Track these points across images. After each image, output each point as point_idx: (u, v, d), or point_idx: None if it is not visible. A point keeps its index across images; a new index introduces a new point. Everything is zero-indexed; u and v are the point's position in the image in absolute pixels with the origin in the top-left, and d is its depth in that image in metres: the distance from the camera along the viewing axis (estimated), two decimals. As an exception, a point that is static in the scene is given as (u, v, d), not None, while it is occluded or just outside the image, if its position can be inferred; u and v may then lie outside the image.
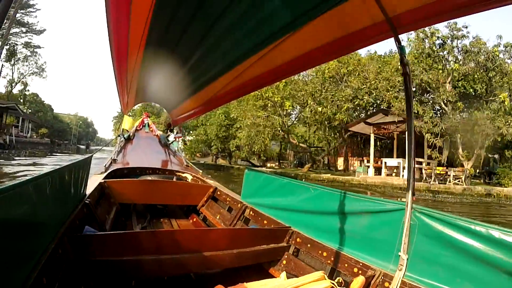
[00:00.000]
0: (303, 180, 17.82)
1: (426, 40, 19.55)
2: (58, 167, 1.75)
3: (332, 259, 2.16)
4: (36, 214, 1.39)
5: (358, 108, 24.23)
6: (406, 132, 18.32)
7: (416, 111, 18.19)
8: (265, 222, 2.89)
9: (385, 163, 20.05)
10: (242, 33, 2.16)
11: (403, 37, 17.21)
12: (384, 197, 11.89)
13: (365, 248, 2.04)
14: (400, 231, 1.77)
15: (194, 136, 36.90)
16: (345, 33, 1.86)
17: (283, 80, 21.13)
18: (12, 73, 52.38)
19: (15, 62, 51.03)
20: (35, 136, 48.21)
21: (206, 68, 2.92)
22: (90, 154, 2.80)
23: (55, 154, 32.13)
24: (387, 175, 19.44)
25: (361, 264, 1.97)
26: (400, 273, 1.64)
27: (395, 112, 18.27)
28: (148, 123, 6.94)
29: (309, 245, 2.37)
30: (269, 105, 24.30)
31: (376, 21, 1.68)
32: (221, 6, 1.91)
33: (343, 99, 22.18)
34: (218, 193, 3.82)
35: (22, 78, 54.04)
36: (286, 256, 2.44)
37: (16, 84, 53.22)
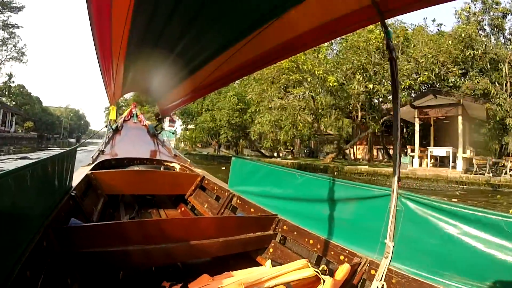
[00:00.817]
0: (335, 174, 17.36)
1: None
2: (40, 158, 1.78)
3: (319, 246, 2.22)
4: (18, 206, 1.43)
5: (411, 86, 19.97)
6: (416, 119, 18.13)
7: (484, 91, 17.23)
8: (252, 210, 2.97)
9: (431, 152, 17.69)
10: (228, 19, 2.15)
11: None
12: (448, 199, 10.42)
13: (352, 236, 2.10)
14: (386, 217, 1.78)
15: (198, 124, 33.37)
16: (332, 17, 1.86)
17: (323, 51, 20.01)
18: None
19: None
20: (20, 131, 47.46)
21: (193, 55, 2.90)
22: (74, 146, 2.84)
23: (42, 149, 30.49)
24: (434, 166, 17.54)
25: (347, 251, 2.03)
26: (386, 261, 1.65)
27: (453, 94, 16.28)
28: (136, 113, 7.11)
29: (295, 233, 2.44)
30: (309, 79, 19.65)
31: (362, 6, 1.67)
32: None
33: (406, 73, 18.47)
34: (206, 182, 3.92)
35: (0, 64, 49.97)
36: (273, 244, 2.50)
37: None
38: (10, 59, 50.22)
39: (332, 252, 2.12)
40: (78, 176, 2.99)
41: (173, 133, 24.67)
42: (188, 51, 2.79)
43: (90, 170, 3.45)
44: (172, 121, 9.04)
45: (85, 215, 2.64)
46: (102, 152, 4.73)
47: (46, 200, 1.94)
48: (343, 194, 2.25)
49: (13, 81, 59.74)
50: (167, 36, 2.52)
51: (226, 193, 3.42)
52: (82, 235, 1.88)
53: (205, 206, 3.59)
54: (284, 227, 2.55)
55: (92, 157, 4.34)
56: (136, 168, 4.26)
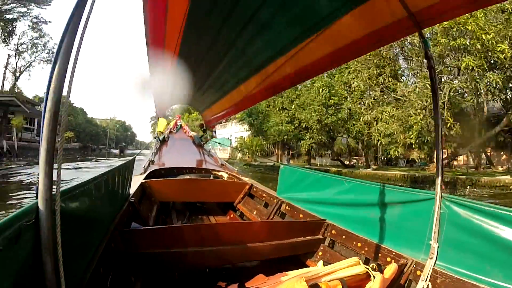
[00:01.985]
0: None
1: None
2: (108, 169, 2.08)
3: (366, 249, 2.40)
4: (95, 210, 1.69)
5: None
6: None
7: None
8: (301, 215, 3.17)
9: None
10: (273, 34, 2.37)
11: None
12: None
13: (398, 238, 2.25)
14: (431, 220, 1.92)
15: (269, 127, 28.18)
16: (371, 30, 2.00)
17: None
18: (16, 61, 47.15)
19: (18, 47, 45.54)
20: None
21: (238, 69, 3.19)
22: (132, 158, 3.21)
23: (80, 160, 29.39)
24: None
25: (394, 253, 2.18)
26: (431, 262, 1.80)
27: None
28: (181, 124, 7.69)
29: (343, 237, 2.61)
30: (477, 46, 14.07)
31: (400, 18, 1.81)
32: (252, 8, 2.10)
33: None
34: (254, 189, 4.17)
35: (28, 66, 48.48)
36: (322, 248, 2.69)
37: (21, 73, 48.09)
38: (41, 61, 49.53)
39: (380, 254, 2.27)
40: (134, 184, 3.36)
41: (219, 143, 22.56)
42: (236, 62, 3.04)
43: (144, 179, 3.85)
44: (214, 132, 9.36)
45: (142, 220, 2.99)
46: (152, 162, 5.27)
47: (113, 205, 2.26)
48: (388, 198, 2.40)
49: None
50: (217, 46, 2.76)
51: (275, 200, 3.63)
52: (143, 237, 2.14)
53: (254, 213, 3.81)
54: (333, 231, 2.73)
55: (144, 166, 4.84)
56: (187, 177, 4.61)
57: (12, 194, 9.92)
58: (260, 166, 27.65)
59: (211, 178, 4.90)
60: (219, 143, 24.42)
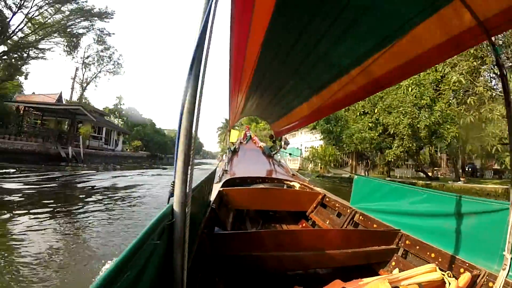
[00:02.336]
0: None
1: None
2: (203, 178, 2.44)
3: (440, 259, 2.42)
4: (195, 214, 1.92)
5: None
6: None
7: None
8: (374, 226, 3.21)
9: None
10: (346, 46, 2.48)
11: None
12: None
13: (471, 248, 2.27)
14: (505, 230, 1.89)
15: (349, 135, 24.58)
16: (442, 40, 2.05)
17: None
18: (83, 73, 49.96)
19: (84, 60, 48.18)
20: (127, 150, 51.22)
21: (309, 83, 3.37)
22: (214, 169, 3.86)
23: (147, 168, 31.20)
24: None
25: (467, 264, 2.20)
26: (504, 273, 1.79)
27: None
28: (250, 135, 8.25)
29: (417, 247, 2.64)
30: None
31: (469, 26, 1.86)
32: (326, 24, 2.24)
33: None
34: (327, 199, 4.25)
35: (94, 77, 51.17)
36: (395, 258, 2.71)
37: (87, 84, 50.62)
38: (107, 72, 52.38)
39: (453, 265, 2.29)
40: (213, 192, 3.70)
41: (289, 154, 21.25)
42: (306, 77, 3.26)
43: (221, 187, 4.06)
44: (286, 143, 9.53)
45: (222, 225, 3.30)
46: (225, 171, 5.63)
47: (201, 210, 2.55)
48: (462, 208, 2.42)
49: (123, 104, 67.00)
50: (293, 58, 2.91)
51: (348, 210, 3.68)
52: (229, 241, 2.37)
53: (327, 222, 3.87)
54: (407, 241, 2.75)
55: (218, 175, 5.06)
56: (261, 186, 4.88)
57: (75, 198, 10.67)
58: (334, 177, 26.01)
59: (284, 187, 5.07)
60: (289, 154, 22.02)
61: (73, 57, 42.27)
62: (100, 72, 51.40)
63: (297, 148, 40.60)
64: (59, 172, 18.60)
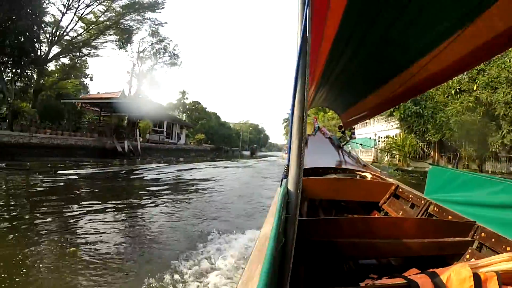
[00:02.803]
0: None
1: None
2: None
3: None
4: None
5: None
6: None
7: None
8: (449, 217, 3.05)
9: None
10: (417, 32, 2.45)
11: None
12: None
13: None
14: None
15: (438, 118, 21.83)
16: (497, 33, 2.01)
17: None
18: (139, 66, 49.26)
19: (140, 53, 47.46)
20: (191, 143, 51.32)
21: (379, 71, 3.38)
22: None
23: (191, 161, 30.68)
24: None
25: None
26: None
27: None
28: (318, 126, 8.38)
29: (493, 240, 2.49)
30: None
31: None
32: (397, 8, 2.24)
33: None
34: (400, 190, 4.16)
35: (150, 70, 50.00)
36: (469, 251, 2.58)
37: (144, 78, 49.77)
38: (164, 64, 51.07)
39: None
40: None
41: (360, 144, 21.42)
42: (378, 64, 3.26)
43: None
44: (353, 133, 9.36)
45: (300, 212, 2.99)
46: None
47: None
48: None
49: (186, 98, 67.15)
50: (361, 54, 3.07)
51: (423, 201, 3.56)
52: (309, 226, 2.34)
53: (400, 213, 3.81)
54: (482, 234, 2.59)
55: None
56: (334, 176, 4.90)
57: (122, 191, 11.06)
58: (415, 172, 21.37)
59: (357, 178, 5.02)
60: (360, 144, 23.58)
61: (127, 51, 41.81)
62: (155, 64, 50.00)
63: (371, 138, 37.51)
64: (111, 166, 19.01)
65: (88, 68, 39.03)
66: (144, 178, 14.76)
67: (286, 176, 1.53)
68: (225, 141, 71.22)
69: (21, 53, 24.43)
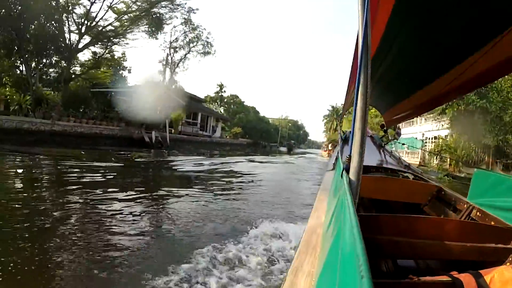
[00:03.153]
0: None
1: None
2: None
3: None
4: None
5: None
6: None
7: None
8: (492, 223, 2.88)
9: None
10: (479, 16, 2.31)
11: None
12: None
13: None
14: None
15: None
16: None
17: None
18: (171, 56, 46.47)
19: (172, 42, 44.84)
20: (227, 137, 50.00)
21: (429, 67, 3.27)
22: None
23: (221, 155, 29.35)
24: None
25: None
26: None
27: None
28: None
29: None
30: None
31: None
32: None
33: None
34: (443, 193, 4.04)
35: (183, 59, 47.00)
36: (510, 258, 2.33)
37: (176, 67, 47.11)
38: (197, 53, 48.18)
39: None
40: (329, 178, 4.15)
41: (402, 144, 21.23)
42: (425, 62, 3.24)
43: None
44: (398, 133, 9.16)
45: None
46: (337, 159, 5.71)
47: None
48: None
49: (224, 91, 65.81)
50: (409, 51, 3.12)
51: (465, 205, 3.39)
52: (372, 223, 2.26)
53: (441, 217, 3.64)
54: None
55: (333, 163, 5.52)
56: (376, 175, 4.83)
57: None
58: (469, 179, 17.18)
59: (399, 178, 5.00)
60: (402, 144, 22.57)
61: (157, 39, 38.89)
62: (188, 53, 47.67)
63: (416, 139, 34.25)
64: (127, 161, 17.44)
65: (126, 60, 38.57)
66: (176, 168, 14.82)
67: (348, 166, 1.70)
68: (263, 136, 69.63)
69: (46, 42, 23.73)
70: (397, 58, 3.30)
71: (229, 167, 17.82)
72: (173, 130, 30.82)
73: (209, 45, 47.59)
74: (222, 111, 65.31)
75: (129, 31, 33.12)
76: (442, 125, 28.51)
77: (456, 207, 3.56)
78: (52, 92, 25.88)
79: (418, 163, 27.40)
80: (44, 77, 28.16)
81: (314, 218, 2.51)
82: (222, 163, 20.09)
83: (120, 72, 37.32)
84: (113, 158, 16.14)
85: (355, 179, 1.58)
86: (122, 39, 33.15)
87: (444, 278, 1.70)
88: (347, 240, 0.95)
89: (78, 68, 32.25)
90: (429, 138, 32.56)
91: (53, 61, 27.11)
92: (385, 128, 7.63)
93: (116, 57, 36.71)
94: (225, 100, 68.43)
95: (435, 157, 26.83)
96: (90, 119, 23.52)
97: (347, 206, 1.16)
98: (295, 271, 1.53)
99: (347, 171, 1.72)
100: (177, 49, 46.45)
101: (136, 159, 16.85)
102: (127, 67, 38.40)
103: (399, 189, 4.15)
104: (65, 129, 20.20)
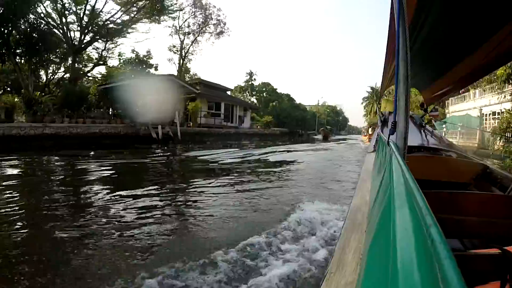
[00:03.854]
0: None
1: None
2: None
3: None
4: None
5: None
6: None
7: None
8: None
9: None
10: None
11: None
12: None
13: None
14: None
15: None
16: None
17: None
18: (182, 40, 43.47)
19: (181, 26, 42.24)
20: (257, 127, 46.57)
21: (469, 35, 3.03)
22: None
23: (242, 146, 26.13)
24: None
25: None
26: None
27: None
28: None
29: None
30: None
31: None
32: None
33: None
34: (488, 171, 4.06)
35: (193, 43, 43.93)
36: None
37: (186, 53, 44.05)
38: (209, 35, 45.15)
39: None
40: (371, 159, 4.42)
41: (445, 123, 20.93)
42: (464, 31, 2.96)
43: None
44: (435, 109, 9.04)
45: None
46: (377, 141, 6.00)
47: None
48: None
49: (254, 79, 62.53)
50: (446, 21, 2.87)
51: None
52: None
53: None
54: None
55: (373, 145, 5.98)
56: (419, 154, 4.95)
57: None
58: None
59: (442, 156, 5.02)
60: (444, 123, 22.12)
61: (160, 23, 36.28)
62: (199, 35, 44.02)
63: (475, 115, 28.29)
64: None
65: (152, 58, 37.03)
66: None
67: (393, 132, 1.85)
68: (299, 124, 65.50)
69: (36, 42, 21.73)
70: (434, 30, 3.02)
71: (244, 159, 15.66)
72: (191, 124, 27.85)
73: (221, 24, 44.06)
74: (254, 100, 62.19)
75: (133, 22, 30.98)
76: (505, 97, 22.66)
77: (503, 184, 3.48)
78: (52, 93, 24.07)
79: (476, 145, 22.64)
80: (44, 78, 26.93)
81: (358, 198, 2.57)
82: (242, 155, 17.66)
83: (147, 71, 35.36)
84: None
85: (401, 144, 1.69)
86: (127, 30, 31.03)
87: (494, 251, 1.59)
88: (403, 201, 0.90)
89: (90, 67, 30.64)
90: (488, 115, 27.00)
91: (48, 61, 25.40)
92: (425, 107, 7.53)
93: (141, 56, 35.58)
94: (256, 88, 65.43)
95: (498, 138, 21.41)
96: (90, 118, 20.84)
97: (398, 165, 1.18)
98: (342, 248, 1.62)
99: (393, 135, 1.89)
100: (188, 34, 43.19)
101: (124, 160, 13.94)
102: (153, 65, 36.70)
103: (442, 168, 4.13)
104: (58, 131, 17.73)
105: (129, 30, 31.53)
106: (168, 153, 17.91)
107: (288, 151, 21.86)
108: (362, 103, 78.91)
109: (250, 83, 65.25)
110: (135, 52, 35.19)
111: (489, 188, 3.68)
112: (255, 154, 19.06)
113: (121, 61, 34.14)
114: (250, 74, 65.33)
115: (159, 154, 17.19)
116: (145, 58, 36.32)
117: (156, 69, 36.45)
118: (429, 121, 7.55)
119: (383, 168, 1.91)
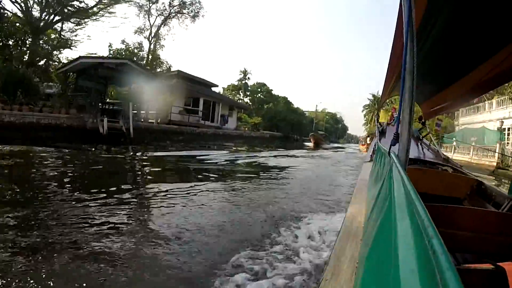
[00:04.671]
0: None
1: None
2: None
3: None
4: None
5: None
6: None
7: None
8: None
9: None
10: None
11: None
12: None
13: None
14: None
15: None
16: None
17: None
18: (151, 24, 40.20)
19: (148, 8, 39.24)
20: (245, 129, 43.50)
21: (471, 52, 3.11)
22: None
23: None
24: None
25: None
26: None
27: None
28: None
29: None
30: None
31: None
32: None
33: None
34: (483, 187, 4.05)
35: (162, 25, 40.51)
36: None
37: (154, 37, 40.26)
38: (180, 17, 41.57)
39: None
40: (366, 170, 4.38)
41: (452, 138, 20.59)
42: (466, 48, 3.04)
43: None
44: (438, 124, 9.03)
45: None
46: (374, 151, 6.02)
47: None
48: None
49: (248, 78, 59.93)
50: (449, 36, 2.91)
51: (506, 200, 3.36)
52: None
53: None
54: None
55: (370, 155, 5.86)
56: (415, 166, 4.86)
57: None
58: None
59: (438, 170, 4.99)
60: (453, 138, 22.31)
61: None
62: (168, 17, 40.51)
63: (495, 129, 24.80)
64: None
65: (143, 51, 37.07)
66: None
67: (395, 143, 1.81)
68: (294, 128, 62.15)
69: None
70: (436, 44, 3.08)
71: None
72: (159, 119, 25.02)
73: (194, 5, 40.80)
74: (248, 101, 59.59)
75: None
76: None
77: (497, 201, 3.50)
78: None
79: (494, 164, 19.62)
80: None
81: (353, 207, 2.56)
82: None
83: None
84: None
85: (403, 157, 1.68)
86: (98, 12, 29.44)
87: (486, 266, 1.61)
88: (403, 212, 0.91)
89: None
90: (509, 129, 24.11)
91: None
92: (423, 120, 7.49)
93: (131, 47, 34.90)
94: (250, 88, 63.02)
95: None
96: (27, 104, 17.52)
97: (399, 176, 1.17)
98: (337, 256, 1.61)
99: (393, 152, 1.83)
100: (156, 15, 40.07)
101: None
102: (145, 57, 36.21)
103: (437, 182, 4.13)
104: (-19, 119, 14.67)
105: (105, 14, 29.90)
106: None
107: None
108: (362, 111, 78.39)
109: (243, 82, 63.08)
110: (125, 43, 34.41)
111: (483, 204, 3.65)
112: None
113: (111, 51, 32.90)
114: (244, 72, 63.05)
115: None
116: (136, 50, 35.06)
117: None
118: (426, 134, 7.51)
119: (381, 178, 1.95)
